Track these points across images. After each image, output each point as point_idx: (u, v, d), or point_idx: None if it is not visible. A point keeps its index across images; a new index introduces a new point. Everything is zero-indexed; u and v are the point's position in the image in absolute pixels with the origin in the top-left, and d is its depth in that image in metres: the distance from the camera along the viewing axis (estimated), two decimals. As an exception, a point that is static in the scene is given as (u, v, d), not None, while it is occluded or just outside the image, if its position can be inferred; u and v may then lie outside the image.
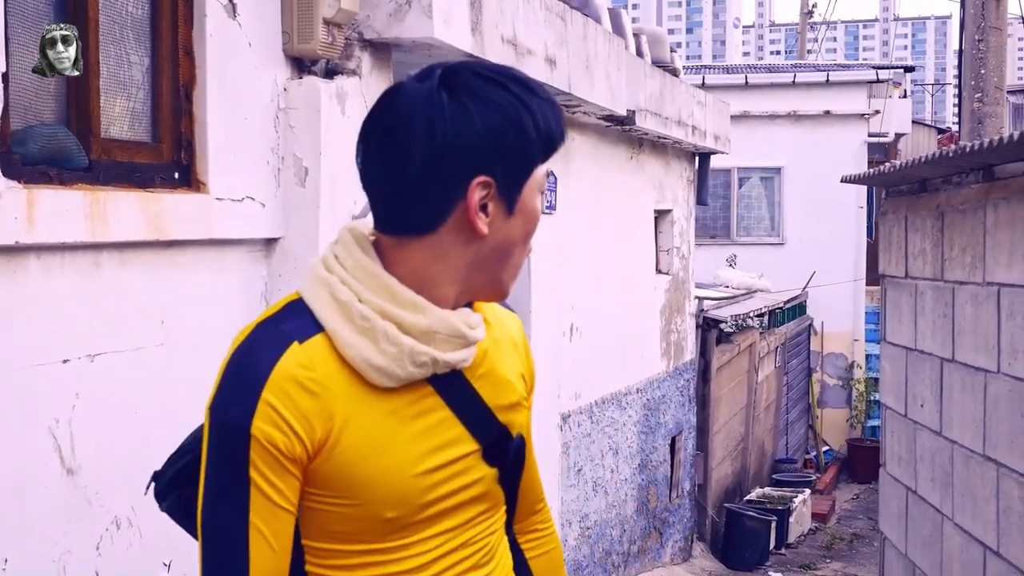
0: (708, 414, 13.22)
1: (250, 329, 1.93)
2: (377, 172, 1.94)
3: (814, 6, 37.79)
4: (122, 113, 3.97)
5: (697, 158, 12.78)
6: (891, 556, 7.37)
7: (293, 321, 1.93)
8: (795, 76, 20.85)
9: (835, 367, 20.93)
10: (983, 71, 10.50)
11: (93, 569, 3.68)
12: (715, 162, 13.61)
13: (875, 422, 19.07)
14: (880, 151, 22.47)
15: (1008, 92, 15.83)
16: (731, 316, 13.69)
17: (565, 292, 8.22)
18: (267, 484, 1.86)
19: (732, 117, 14.08)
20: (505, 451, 2.11)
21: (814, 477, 17.83)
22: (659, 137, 10.59)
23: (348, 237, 1.99)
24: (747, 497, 15.02)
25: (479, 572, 2.08)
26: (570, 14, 7.13)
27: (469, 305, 2.07)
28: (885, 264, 7.40)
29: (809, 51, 38.16)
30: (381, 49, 5.17)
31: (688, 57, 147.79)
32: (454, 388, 2.02)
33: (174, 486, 2.16)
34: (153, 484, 2.20)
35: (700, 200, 13.00)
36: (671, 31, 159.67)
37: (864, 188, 18.41)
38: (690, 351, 12.68)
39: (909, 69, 26.59)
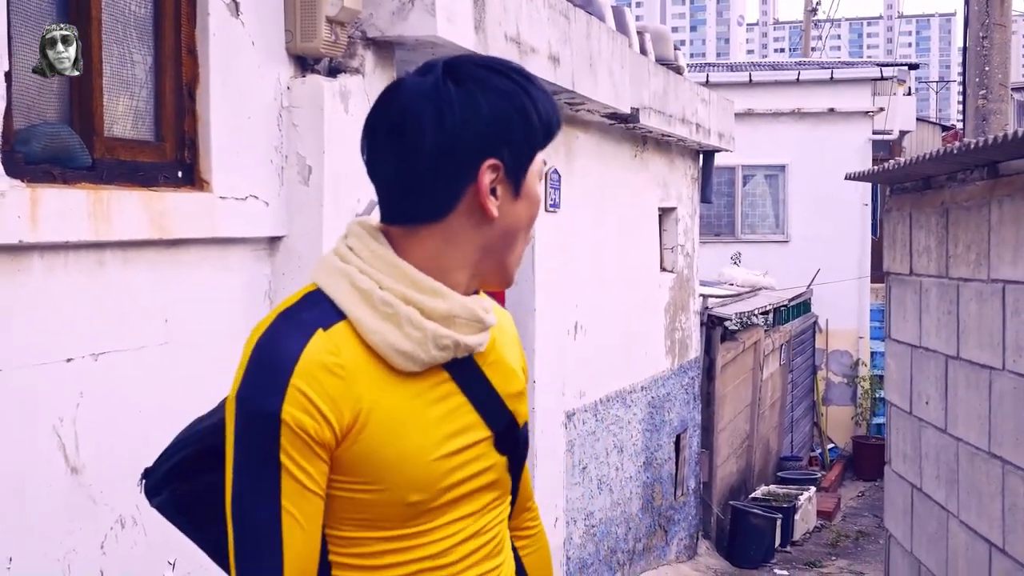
0: (713, 412, 13.21)
1: (271, 319, 1.96)
2: (388, 163, 1.98)
3: (818, 3, 37.70)
4: (125, 112, 3.97)
5: (701, 156, 12.77)
6: (896, 553, 7.36)
7: (314, 310, 1.96)
8: (799, 74, 20.82)
9: (840, 364, 20.92)
10: (987, 68, 10.48)
11: (98, 568, 3.68)
12: (719, 160, 13.59)
13: (880, 419, 19.05)
14: (884, 148, 22.43)
15: (1013, 89, 15.79)
16: (736, 314, 13.68)
17: (569, 290, 8.21)
18: (298, 469, 1.88)
19: (736, 115, 14.06)
20: (515, 439, 2.14)
21: (819, 475, 17.81)
22: (663, 135, 10.58)
23: (360, 229, 2.03)
24: (752, 495, 15.01)
25: (491, 562, 2.12)
26: (573, 12, 7.13)
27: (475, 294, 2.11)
28: (889, 261, 7.39)
29: (813, 49, 38.10)
30: (384, 47, 5.17)
31: (692, 55, 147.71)
32: (468, 375, 2.06)
33: (167, 482, 2.17)
34: (144, 480, 2.21)
35: (704, 198, 12.99)
36: (675, 29, 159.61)
37: (868, 185, 18.42)
38: (695, 349, 12.67)
39: (913, 67, 26.53)
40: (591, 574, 9.06)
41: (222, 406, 2.18)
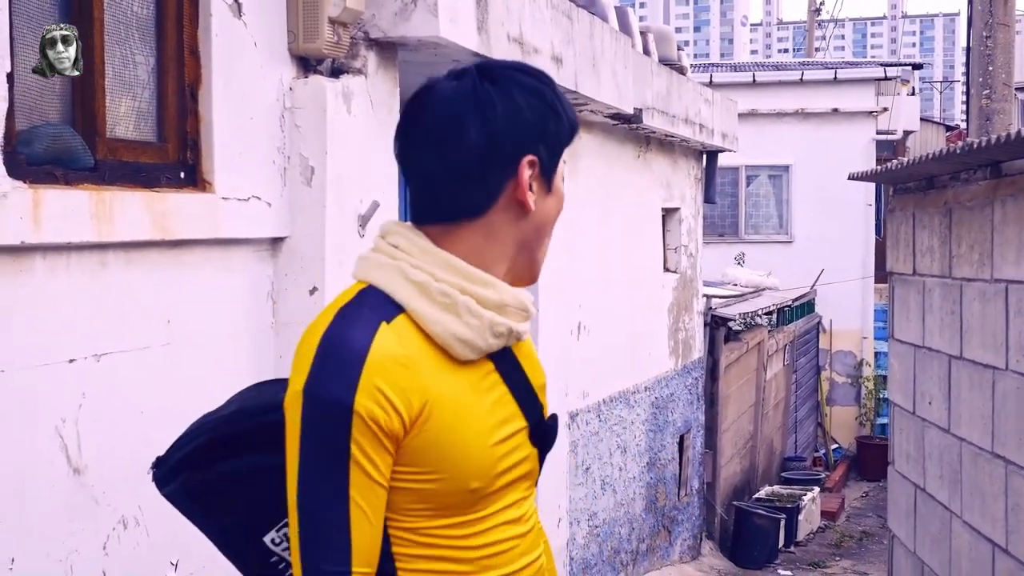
0: (716, 412, 13.21)
1: (330, 316, 2.01)
2: (431, 163, 2.07)
3: (822, 4, 37.70)
4: (127, 113, 3.97)
5: (705, 156, 12.77)
6: (899, 554, 7.36)
7: (373, 305, 2.02)
8: (803, 74, 20.81)
9: (844, 365, 20.91)
10: (991, 68, 10.48)
11: (100, 569, 3.68)
12: (723, 160, 13.59)
13: (884, 420, 19.03)
14: (888, 148, 22.43)
15: (1016, 89, 15.76)
16: (739, 314, 13.68)
17: (573, 290, 8.21)
18: (367, 461, 1.93)
19: (740, 115, 14.05)
20: (544, 431, 2.21)
21: (823, 475, 17.80)
22: (666, 135, 10.58)
23: (401, 228, 2.12)
24: (756, 495, 15.00)
25: (534, 552, 2.19)
26: (576, 12, 7.13)
27: None
28: (893, 261, 7.39)
29: (817, 49, 38.09)
30: (387, 48, 5.17)
31: (696, 55, 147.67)
32: (509, 365, 2.15)
33: (179, 471, 2.19)
34: (155, 470, 2.23)
35: (708, 198, 12.99)
36: (679, 29, 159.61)
37: (872, 185, 18.41)
38: (698, 349, 12.67)
39: (917, 66, 26.54)
40: (594, 575, 9.06)
41: (234, 400, 2.24)
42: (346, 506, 1.93)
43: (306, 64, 4.78)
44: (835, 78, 20.65)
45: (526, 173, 2.07)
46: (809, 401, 19.42)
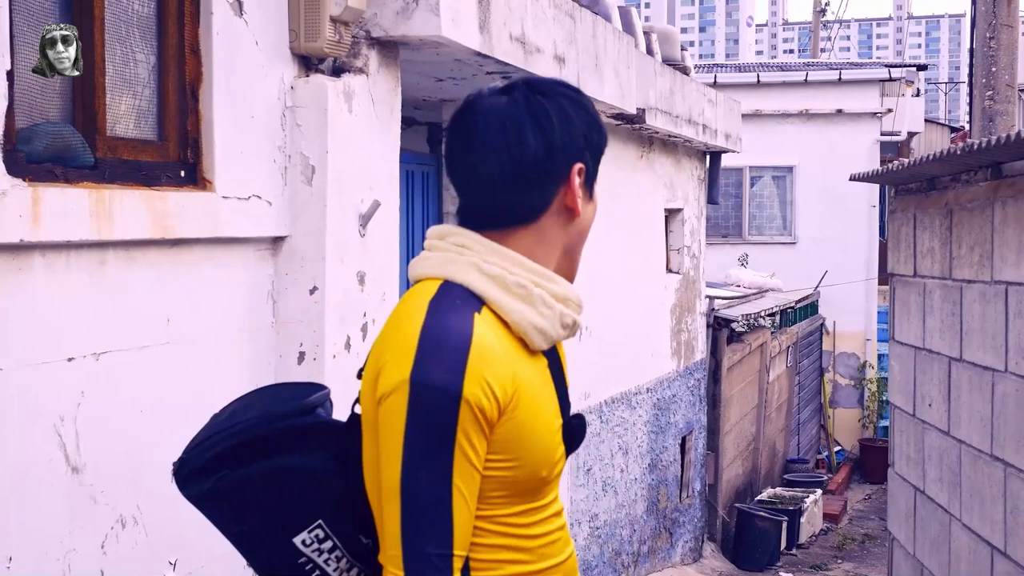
0: (719, 414, 13.20)
1: (421, 308, 2.09)
2: (490, 172, 2.18)
3: (827, 4, 37.70)
4: (128, 111, 3.97)
5: (708, 157, 12.77)
6: (899, 556, 7.36)
7: (460, 297, 2.12)
8: (807, 74, 20.81)
9: (847, 367, 20.90)
10: (994, 69, 10.47)
11: (98, 568, 3.68)
12: (727, 161, 13.59)
13: (888, 422, 19.01)
14: (893, 150, 22.43)
15: (1020, 90, 15.74)
16: (742, 315, 13.67)
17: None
18: (469, 447, 2.01)
19: (744, 116, 14.05)
20: (574, 429, 2.28)
21: (826, 477, 17.80)
22: (669, 135, 10.58)
23: (462, 231, 2.21)
24: (758, 497, 15.00)
25: (570, 547, 2.28)
26: (579, 12, 7.13)
27: None
28: (894, 262, 7.39)
29: (822, 50, 38.10)
30: (388, 47, 5.17)
31: (701, 56, 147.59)
32: (555, 362, 2.27)
33: (213, 470, 2.19)
34: (179, 470, 2.24)
35: (711, 199, 13.00)
36: (684, 30, 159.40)
37: (877, 187, 18.38)
38: (700, 350, 12.67)
39: (922, 67, 26.52)
40: None
41: (256, 403, 2.29)
42: (449, 491, 1.99)
43: (307, 63, 4.78)
44: (839, 79, 20.63)
45: (576, 180, 2.21)
46: (812, 403, 19.41)
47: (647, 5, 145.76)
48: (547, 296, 2.17)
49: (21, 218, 3.25)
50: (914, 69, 25.19)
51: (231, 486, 2.17)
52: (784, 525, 13.75)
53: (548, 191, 2.20)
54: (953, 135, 30.25)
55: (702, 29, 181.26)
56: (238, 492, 2.18)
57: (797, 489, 15.79)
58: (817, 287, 19.47)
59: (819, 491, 15.87)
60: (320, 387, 2.34)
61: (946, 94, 71.24)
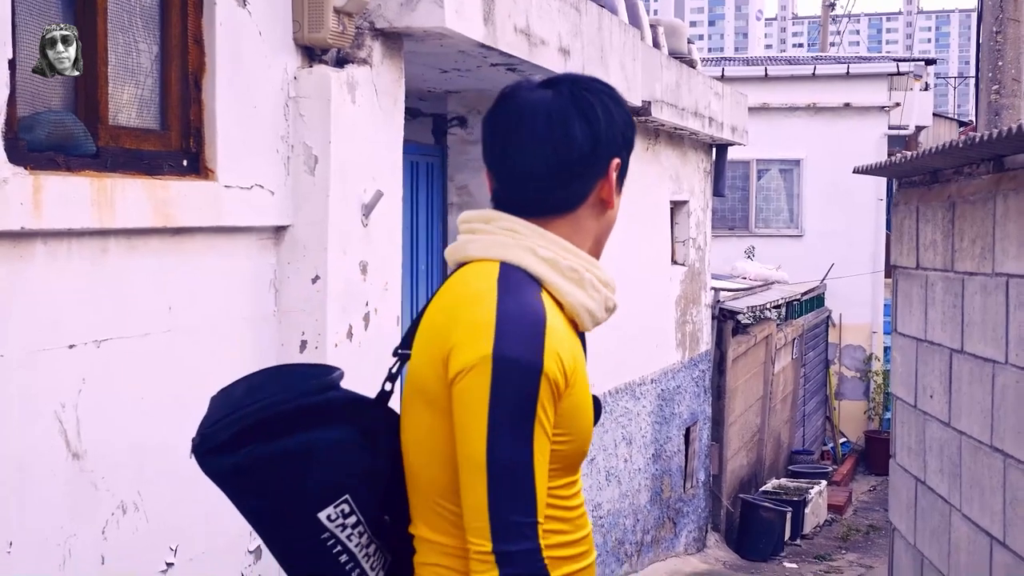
0: (723, 405, 13.22)
1: (493, 287, 2.16)
2: (535, 163, 2.26)
3: (836, -2, 37.62)
4: (130, 100, 4.00)
5: (714, 149, 12.77)
6: (900, 547, 7.37)
7: (522, 278, 2.21)
8: (815, 68, 20.78)
9: (853, 359, 20.90)
10: (1000, 63, 10.45)
11: (99, 553, 3.71)
12: (734, 154, 13.59)
13: (893, 415, 19.01)
14: (900, 144, 22.39)
15: (1028, 84, 15.63)
16: (747, 307, 13.69)
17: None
18: (546, 419, 2.10)
19: (752, 109, 14.05)
20: (596, 409, 2.35)
21: (831, 469, 17.81)
22: (675, 128, 10.59)
23: (509, 216, 2.28)
24: (763, 488, 15.02)
25: (590, 522, 2.37)
26: (585, 4, 7.14)
27: None
28: (897, 255, 7.39)
29: (832, 44, 38.05)
30: (392, 38, 5.19)
31: (710, 49, 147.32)
32: (585, 347, 2.33)
33: (241, 444, 2.19)
34: (198, 446, 2.24)
35: (717, 191, 13.00)
36: (693, 24, 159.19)
37: (883, 180, 18.35)
38: (706, 342, 12.68)
39: (930, 62, 26.51)
40: (599, 565, 9.08)
41: (269, 381, 2.28)
42: (531, 461, 2.07)
43: (311, 54, 4.80)
44: (847, 73, 20.61)
45: (613, 175, 2.31)
46: (817, 395, 19.42)
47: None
48: (596, 280, 2.28)
49: (22, 206, 3.27)
50: (922, 63, 25.18)
51: (258, 461, 2.18)
52: (788, 516, 13.77)
53: (588, 184, 2.29)
54: (961, 129, 30.20)
55: (711, 23, 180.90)
56: (266, 467, 2.18)
57: (802, 480, 15.79)
58: (823, 280, 19.47)
59: (824, 482, 15.88)
60: (332, 368, 2.36)
61: (955, 88, 71.09)
